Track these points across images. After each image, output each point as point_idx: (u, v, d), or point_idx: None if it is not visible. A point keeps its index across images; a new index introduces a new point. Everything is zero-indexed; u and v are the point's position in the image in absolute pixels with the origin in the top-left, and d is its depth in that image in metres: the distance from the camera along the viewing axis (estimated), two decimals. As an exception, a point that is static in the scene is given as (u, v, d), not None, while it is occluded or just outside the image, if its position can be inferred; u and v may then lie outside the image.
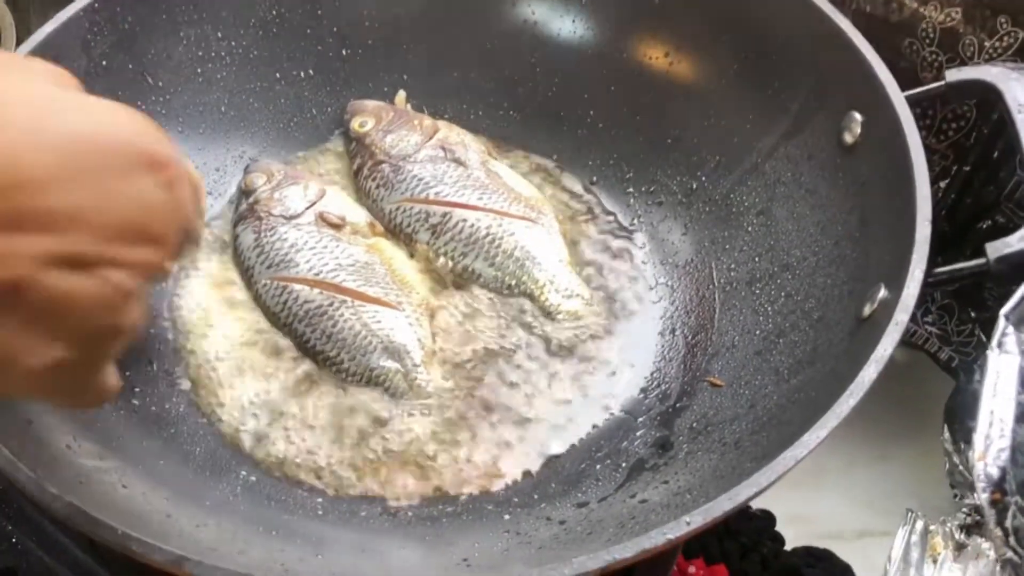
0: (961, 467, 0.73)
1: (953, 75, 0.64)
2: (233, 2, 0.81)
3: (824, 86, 0.70)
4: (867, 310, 0.59)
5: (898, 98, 0.63)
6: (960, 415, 0.73)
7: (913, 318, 0.78)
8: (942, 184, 0.76)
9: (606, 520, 0.60)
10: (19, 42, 0.84)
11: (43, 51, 0.71)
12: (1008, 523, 0.59)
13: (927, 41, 0.75)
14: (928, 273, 0.56)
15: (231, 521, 0.59)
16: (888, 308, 0.55)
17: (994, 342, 0.57)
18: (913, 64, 0.76)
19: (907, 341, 0.80)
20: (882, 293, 0.58)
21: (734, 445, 0.61)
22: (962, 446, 0.73)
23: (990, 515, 0.56)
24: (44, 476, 0.49)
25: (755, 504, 0.73)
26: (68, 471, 0.55)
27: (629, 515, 0.59)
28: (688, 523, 0.45)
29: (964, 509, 0.71)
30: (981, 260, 0.56)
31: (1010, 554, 0.58)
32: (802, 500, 0.76)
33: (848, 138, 0.68)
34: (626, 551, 0.45)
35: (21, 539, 0.63)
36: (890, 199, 0.62)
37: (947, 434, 0.72)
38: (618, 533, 0.56)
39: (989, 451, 0.56)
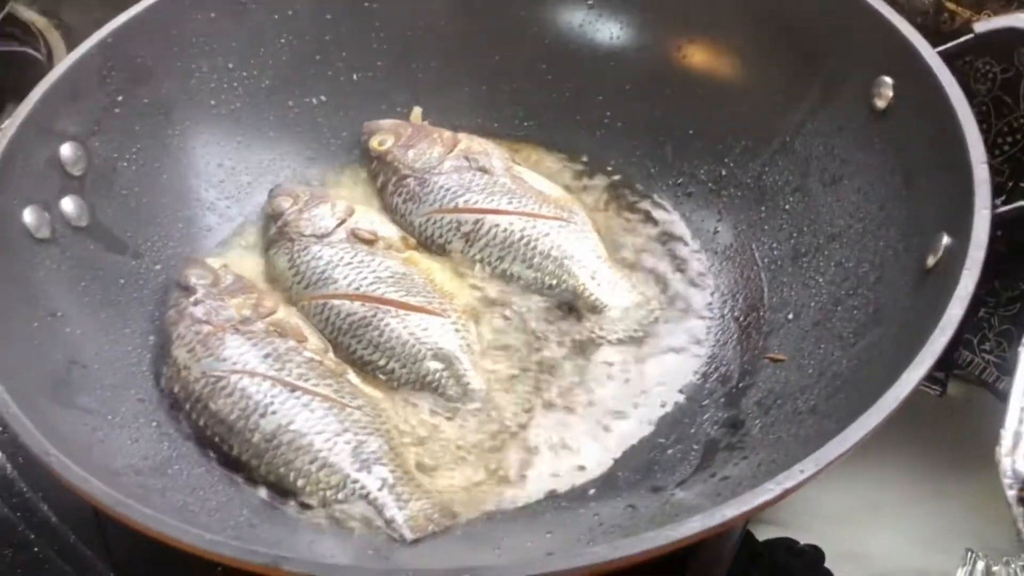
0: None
1: (982, 26, 0.64)
2: (242, 33, 0.80)
3: (849, 56, 0.70)
4: (931, 260, 0.58)
5: (930, 54, 0.63)
6: None
7: (969, 346, 0.75)
8: (997, 201, 0.68)
9: (687, 500, 0.58)
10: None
11: (60, 88, 0.70)
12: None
13: (980, 51, 0.71)
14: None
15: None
16: (958, 252, 0.55)
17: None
18: (965, 75, 0.71)
19: (963, 373, 0.76)
20: (945, 240, 0.57)
21: (810, 411, 0.59)
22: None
23: (1019, 513, 0.54)
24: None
25: (803, 539, 0.70)
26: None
27: (714, 491, 0.57)
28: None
29: (1030, 549, 0.68)
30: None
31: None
32: (854, 537, 0.73)
33: (880, 103, 0.67)
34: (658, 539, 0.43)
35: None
36: (935, 153, 0.62)
37: (1009, 469, 0.69)
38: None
39: (1019, 447, 0.53)
